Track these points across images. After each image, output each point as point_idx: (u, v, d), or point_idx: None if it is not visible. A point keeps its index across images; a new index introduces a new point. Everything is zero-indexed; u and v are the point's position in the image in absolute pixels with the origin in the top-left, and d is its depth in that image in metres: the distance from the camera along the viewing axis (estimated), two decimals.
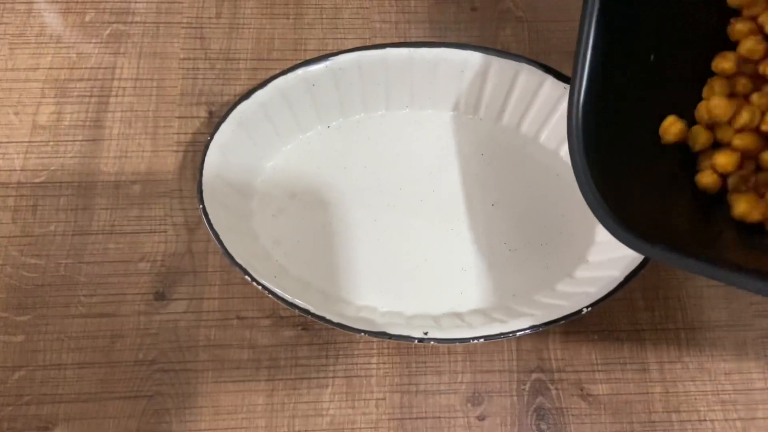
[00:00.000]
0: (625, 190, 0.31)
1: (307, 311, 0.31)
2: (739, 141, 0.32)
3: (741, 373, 0.35)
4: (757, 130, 0.32)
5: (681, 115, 0.33)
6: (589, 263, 0.35)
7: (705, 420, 0.34)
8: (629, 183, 0.31)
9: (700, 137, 0.33)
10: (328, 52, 0.37)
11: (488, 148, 0.38)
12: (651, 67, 0.33)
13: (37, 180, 0.37)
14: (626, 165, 0.32)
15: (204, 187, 0.33)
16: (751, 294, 0.35)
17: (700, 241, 0.31)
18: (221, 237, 0.32)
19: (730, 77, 0.33)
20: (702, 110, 0.33)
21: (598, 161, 0.30)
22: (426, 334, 0.31)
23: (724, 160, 0.32)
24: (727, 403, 0.34)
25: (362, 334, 0.31)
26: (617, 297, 0.35)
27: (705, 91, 0.34)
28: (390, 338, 0.31)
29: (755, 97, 0.32)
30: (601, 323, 0.35)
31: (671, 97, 0.34)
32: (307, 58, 0.39)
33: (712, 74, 0.34)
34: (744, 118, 0.32)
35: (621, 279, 0.32)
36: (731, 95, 0.33)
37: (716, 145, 0.33)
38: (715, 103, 0.32)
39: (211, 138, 0.34)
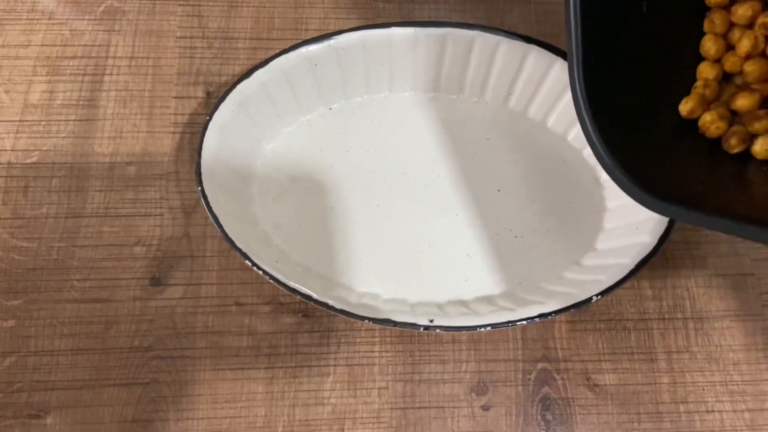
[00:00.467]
0: (636, 148, 0.30)
1: (309, 297, 0.30)
2: (749, 67, 0.31)
3: (749, 364, 0.34)
4: (764, 55, 0.32)
5: (682, 58, 0.33)
6: (597, 251, 0.34)
7: (713, 411, 0.33)
8: (639, 141, 0.31)
9: (707, 71, 0.33)
10: (329, 31, 0.36)
11: (494, 132, 0.37)
12: (646, 18, 0.33)
13: (28, 161, 0.36)
14: (635, 123, 0.31)
15: (203, 169, 0.32)
16: (760, 284, 0.35)
17: (713, 195, 0.30)
18: (221, 221, 0.31)
19: (725, 7, 0.33)
20: (707, 43, 0.33)
21: (606, 122, 0.30)
22: (432, 321, 0.30)
23: (744, 101, 0.31)
24: (735, 393, 0.34)
25: (366, 321, 0.30)
26: (624, 286, 0.34)
27: (705, 25, 0.33)
28: (395, 326, 0.30)
29: (759, 20, 0.32)
30: (609, 312, 0.35)
31: (671, 45, 0.33)
32: (308, 37, 0.38)
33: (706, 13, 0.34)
34: (745, 44, 0.31)
35: (632, 266, 0.31)
36: (732, 25, 0.33)
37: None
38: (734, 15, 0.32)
39: (210, 118, 0.33)
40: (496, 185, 0.36)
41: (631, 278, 0.31)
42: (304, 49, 0.34)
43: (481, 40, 0.35)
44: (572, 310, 0.30)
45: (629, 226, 0.33)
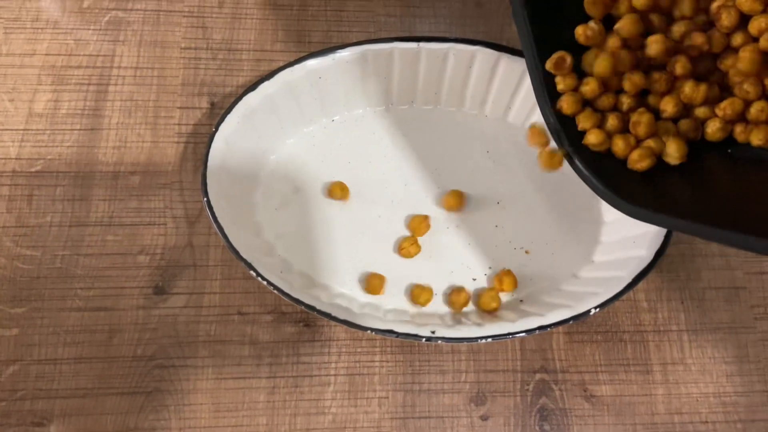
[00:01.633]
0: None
1: (312, 307, 0.30)
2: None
3: (742, 375, 0.35)
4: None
5: None
6: (594, 263, 0.35)
7: (707, 422, 0.34)
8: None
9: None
10: (332, 44, 0.36)
11: (494, 145, 0.38)
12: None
13: (33, 169, 0.36)
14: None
15: (208, 180, 0.32)
16: (752, 297, 0.36)
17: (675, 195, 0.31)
18: (225, 231, 0.31)
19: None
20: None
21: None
22: (433, 333, 0.30)
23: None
24: (728, 405, 0.34)
25: (369, 331, 0.30)
26: (621, 298, 0.35)
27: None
28: (397, 336, 0.30)
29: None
30: (605, 324, 0.35)
31: None
32: (311, 50, 0.38)
33: None
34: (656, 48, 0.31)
35: (629, 280, 0.31)
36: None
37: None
38: None
39: (216, 129, 0.33)
40: (495, 198, 0.37)
41: (628, 291, 0.31)
42: (308, 63, 0.35)
43: (482, 55, 0.36)
44: (571, 322, 0.31)
45: (626, 239, 0.34)
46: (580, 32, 0.32)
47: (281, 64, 0.35)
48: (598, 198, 0.36)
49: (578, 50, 0.33)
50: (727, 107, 0.30)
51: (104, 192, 0.36)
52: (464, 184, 0.37)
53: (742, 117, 0.31)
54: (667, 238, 0.32)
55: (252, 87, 0.34)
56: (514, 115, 0.38)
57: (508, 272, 0.34)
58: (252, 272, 0.30)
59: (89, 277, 0.34)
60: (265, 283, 0.30)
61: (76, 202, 0.36)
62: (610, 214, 0.36)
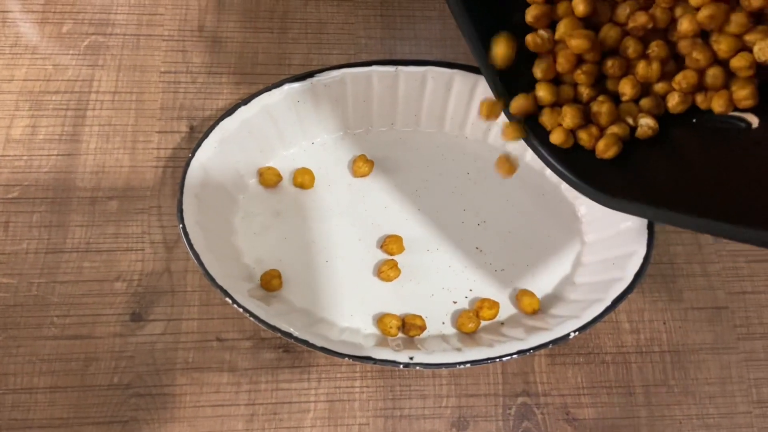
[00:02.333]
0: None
1: (289, 334, 0.30)
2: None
3: (725, 397, 0.35)
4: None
5: None
6: (575, 285, 0.35)
7: None
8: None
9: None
10: (312, 67, 0.36)
11: (474, 166, 0.38)
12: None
13: (9, 195, 0.36)
14: None
15: (184, 206, 0.32)
16: (734, 317, 0.36)
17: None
18: (201, 257, 0.31)
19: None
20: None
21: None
22: (412, 359, 0.30)
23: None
24: (711, 427, 0.34)
25: (347, 358, 0.30)
26: (603, 319, 0.34)
27: None
28: (375, 363, 0.30)
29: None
30: (587, 346, 0.35)
31: None
32: (292, 73, 0.38)
33: None
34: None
35: (608, 302, 0.31)
36: None
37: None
38: None
39: (193, 155, 0.33)
40: (476, 219, 0.37)
41: (608, 314, 0.31)
42: (287, 87, 0.35)
43: (461, 77, 0.36)
44: (550, 346, 0.31)
45: (606, 261, 0.34)
46: (530, 40, 0.32)
47: (261, 87, 0.35)
48: (578, 218, 0.36)
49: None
50: (681, 80, 0.30)
51: (81, 218, 0.36)
52: (445, 205, 0.37)
53: (701, 86, 0.30)
54: (647, 259, 0.32)
55: (229, 111, 0.34)
56: (494, 137, 0.38)
57: (491, 302, 0.34)
58: (228, 299, 0.30)
59: (65, 305, 0.34)
60: (241, 310, 0.30)
61: (53, 228, 0.35)
62: (590, 234, 0.36)
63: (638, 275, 0.32)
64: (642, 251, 0.32)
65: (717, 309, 0.36)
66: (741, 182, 0.26)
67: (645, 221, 0.33)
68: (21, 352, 0.33)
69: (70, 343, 0.33)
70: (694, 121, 0.31)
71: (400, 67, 0.36)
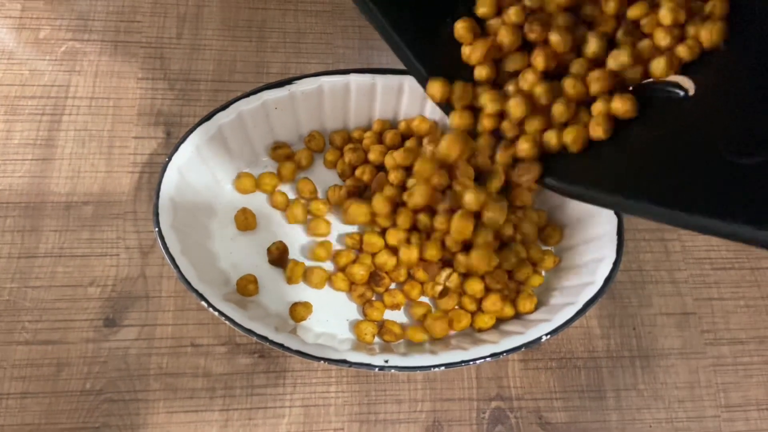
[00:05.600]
0: None
1: (264, 338, 0.30)
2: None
3: (693, 401, 0.35)
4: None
5: None
6: (548, 290, 0.35)
7: None
8: None
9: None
10: (290, 75, 0.36)
11: None
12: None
13: None
14: None
15: (160, 210, 0.32)
16: (702, 323, 0.36)
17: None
18: (177, 261, 0.31)
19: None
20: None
21: None
22: (386, 362, 0.30)
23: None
24: (680, 430, 0.35)
25: (322, 362, 0.30)
26: (574, 325, 0.35)
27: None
28: (350, 366, 0.30)
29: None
30: (560, 351, 0.36)
31: None
32: (270, 81, 0.39)
33: None
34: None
35: (579, 307, 0.32)
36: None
37: None
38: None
39: (169, 159, 0.33)
40: None
41: (579, 318, 0.32)
42: (264, 94, 0.35)
43: None
44: (523, 349, 0.31)
45: (578, 267, 0.35)
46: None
47: (239, 94, 0.36)
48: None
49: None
50: (611, 62, 0.29)
51: (55, 223, 0.35)
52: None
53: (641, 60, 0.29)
54: (616, 264, 0.33)
55: (206, 117, 0.34)
56: None
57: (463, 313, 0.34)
58: (203, 303, 0.30)
59: (38, 310, 0.33)
60: (216, 313, 0.30)
61: (26, 233, 0.35)
62: (563, 240, 0.37)
63: (608, 280, 0.32)
64: (612, 256, 0.33)
65: (685, 315, 0.37)
66: (672, 162, 0.25)
67: (615, 227, 0.34)
68: None
69: (41, 348, 0.33)
70: (630, 89, 0.29)
71: (377, 76, 0.36)
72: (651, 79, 0.29)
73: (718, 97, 0.27)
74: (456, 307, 0.34)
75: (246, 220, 0.35)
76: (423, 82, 0.32)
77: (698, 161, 0.24)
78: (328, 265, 0.36)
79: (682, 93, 0.28)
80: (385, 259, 0.34)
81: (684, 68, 0.29)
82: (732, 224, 0.21)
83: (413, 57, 0.31)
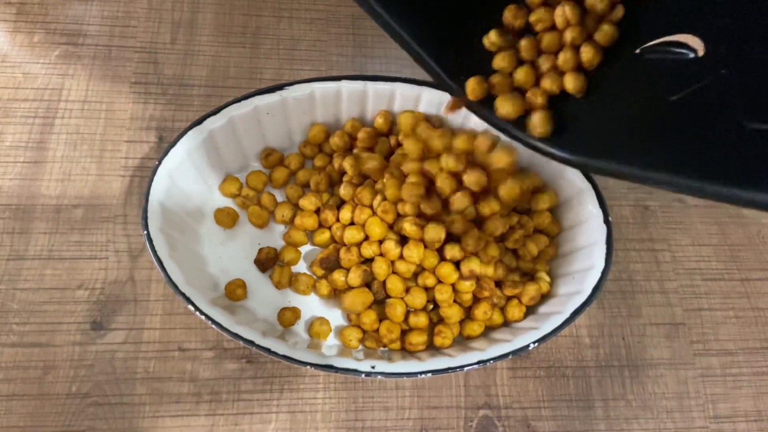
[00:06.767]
0: None
1: (251, 342, 0.30)
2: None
3: (682, 412, 0.35)
4: None
5: None
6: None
7: None
8: None
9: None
10: (282, 81, 0.37)
11: None
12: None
13: None
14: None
15: (149, 213, 0.32)
16: (691, 333, 0.36)
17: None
18: (165, 264, 0.31)
19: None
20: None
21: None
22: (373, 368, 0.30)
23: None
24: None
25: (308, 367, 0.30)
26: (564, 333, 0.35)
27: None
28: (337, 371, 0.30)
29: None
30: (548, 360, 0.36)
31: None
32: (262, 87, 0.39)
33: None
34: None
35: (567, 315, 0.32)
36: None
37: None
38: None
39: (160, 163, 0.33)
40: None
41: (567, 326, 0.32)
42: (256, 99, 0.35)
43: (428, 94, 0.37)
44: (510, 356, 0.31)
45: (567, 275, 0.35)
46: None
47: (231, 99, 0.36)
48: None
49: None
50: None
51: (45, 225, 0.35)
52: None
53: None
54: (604, 274, 0.33)
55: (198, 122, 0.34)
56: None
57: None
58: (190, 306, 0.30)
59: (25, 312, 0.33)
60: (203, 317, 0.30)
61: (16, 235, 0.35)
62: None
63: (596, 289, 0.32)
64: (601, 266, 0.33)
65: (674, 325, 0.37)
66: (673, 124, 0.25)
67: (604, 236, 0.34)
68: None
69: (28, 350, 0.33)
70: (637, 52, 0.28)
71: (369, 83, 0.36)
72: (657, 40, 0.28)
73: (731, 58, 0.25)
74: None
75: (228, 216, 0.35)
76: (451, 86, 0.31)
77: (715, 129, 0.23)
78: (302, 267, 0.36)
79: (691, 54, 0.26)
80: (353, 233, 0.34)
81: (691, 29, 0.27)
82: (758, 192, 0.20)
83: (442, 72, 0.31)
